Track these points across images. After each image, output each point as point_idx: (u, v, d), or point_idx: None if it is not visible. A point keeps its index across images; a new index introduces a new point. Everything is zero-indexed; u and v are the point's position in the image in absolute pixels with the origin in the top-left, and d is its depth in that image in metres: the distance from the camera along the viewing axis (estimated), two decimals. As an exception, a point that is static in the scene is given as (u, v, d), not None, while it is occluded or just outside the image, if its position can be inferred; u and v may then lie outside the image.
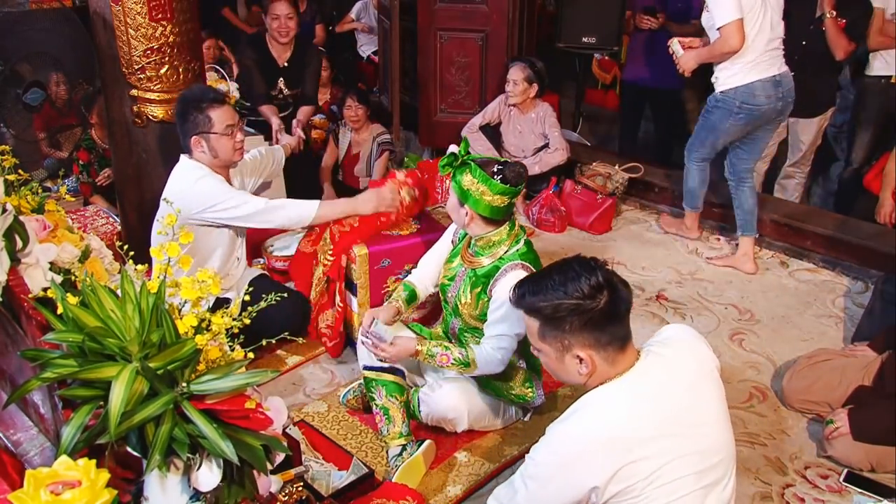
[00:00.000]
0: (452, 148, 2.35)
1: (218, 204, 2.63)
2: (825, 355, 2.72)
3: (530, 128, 4.20)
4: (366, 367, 2.46)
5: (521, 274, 2.29)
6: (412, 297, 2.57)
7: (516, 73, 4.10)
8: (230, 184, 2.79)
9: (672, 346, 1.63)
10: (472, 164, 2.27)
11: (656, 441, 1.49)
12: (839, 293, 3.52)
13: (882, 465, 2.38)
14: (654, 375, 1.57)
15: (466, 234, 2.47)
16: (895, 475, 2.37)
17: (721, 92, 3.41)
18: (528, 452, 2.39)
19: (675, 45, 3.53)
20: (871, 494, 2.28)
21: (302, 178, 4.63)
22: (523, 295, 1.62)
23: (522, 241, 2.36)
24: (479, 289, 2.36)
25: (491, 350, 2.29)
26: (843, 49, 3.97)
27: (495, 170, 2.25)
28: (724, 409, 1.62)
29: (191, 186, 2.63)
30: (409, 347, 2.31)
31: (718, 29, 3.23)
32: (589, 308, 1.52)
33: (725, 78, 3.37)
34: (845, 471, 2.40)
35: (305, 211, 2.76)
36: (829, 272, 3.69)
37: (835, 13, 3.90)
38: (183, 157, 2.72)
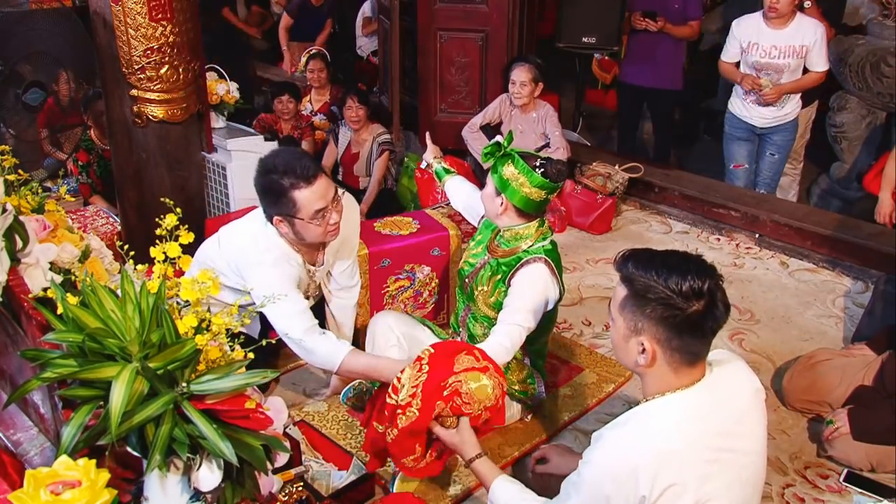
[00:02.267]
0: (498, 138, 2.37)
1: (261, 294, 1.84)
2: (825, 355, 2.72)
3: (531, 127, 4.20)
4: None
5: (542, 268, 2.32)
6: (448, 171, 2.80)
7: (523, 75, 4.04)
8: (312, 265, 2.41)
9: (731, 368, 1.60)
10: (516, 155, 2.30)
11: (710, 464, 1.46)
12: (839, 293, 3.52)
13: (882, 465, 2.37)
14: (717, 395, 1.53)
15: (492, 226, 2.49)
16: (895, 475, 2.37)
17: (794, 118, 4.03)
18: (528, 452, 2.42)
19: (766, 82, 3.87)
20: (871, 494, 2.28)
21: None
22: (627, 261, 1.54)
23: (549, 240, 2.39)
24: (498, 277, 2.38)
25: (498, 340, 2.28)
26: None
27: (538, 164, 2.29)
28: (765, 442, 1.59)
29: (247, 260, 2.25)
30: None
31: (821, 71, 3.85)
32: (676, 306, 1.45)
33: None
34: (845, 471, 2.40)
35: (331, 360, 2.23)
36: (829, 272, 3.69)
37: (810, 3, 4.01)
38: (267, 228, 2.29)
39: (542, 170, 2.27)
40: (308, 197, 2.14)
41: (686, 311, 1.45)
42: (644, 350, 1.51)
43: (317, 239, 2.27)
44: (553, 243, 2.41)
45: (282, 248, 2.31)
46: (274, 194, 2.17)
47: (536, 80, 4.08)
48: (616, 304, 1.56)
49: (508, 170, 2.30)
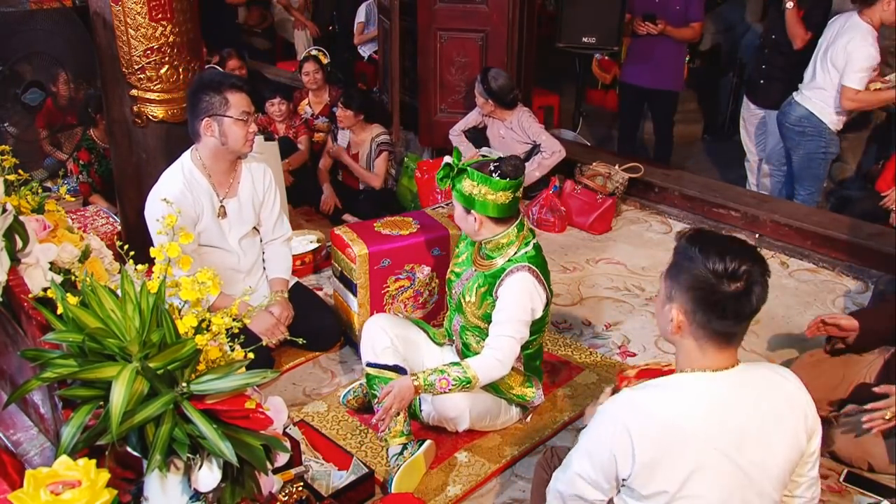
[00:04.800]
0: (447, 159, 2.36)
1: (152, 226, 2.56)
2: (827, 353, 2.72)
3: (511, 134, 4.22)
4: (368, 364, 2.46)
5: (527, 276, 2.31)
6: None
7: (475, 88, 4.16)
8: (224, 195, 2.70)
9: (769, 374, 1.57)
10: (469, 168, 2.29)
11: (708, 458, 1.45)
12: (839, 293, 3.52)
13: (882, 465, 2.37)
14: (743, 392, 1.51)
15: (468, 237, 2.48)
16: (895, 475, 2.37)
17: None
18: (528, 452, 2.42)
19: None
20: (871, 494, 2.28)
21: (302, 179, 4.64)
22: (685, 235, 1.55)
23: (531, 245, 2.37)
24: (485, 289, 2.36)
25: (492, 353, 2.29)
26: (801, 38, 4.11)
27: (492, 168, 2.27)
28: (783, 463, 1.51)
29: (152, 199, 2.60)
30: (407, 385, 2.26)
31: None
32: (706, 280, 1.46)
33: None
34: (845, 471, 2.40)
35: None
36: (829, 272, 3.69)
37: (792, 4, 4.05)
38: (184, 155, 2.66)
39: (499, 172, 2.26)
40: (239, 99, 2.54)
41: (714, 288, 1.46)
42: (672, 319, 1.53)
43: (238, 143, 2.58)
44: (536, 247, 2.38)
45: (191, 172, 2.62)
46: (210, 92, 2.52)
47: (485, 97, 4.11)
48: (662, 271, 1.60)
49: (467, 184, 2.29)
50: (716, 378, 1.51)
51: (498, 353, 2.28)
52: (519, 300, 2.30)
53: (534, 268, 2.31)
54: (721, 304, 1.47)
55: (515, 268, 2.31)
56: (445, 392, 2.28)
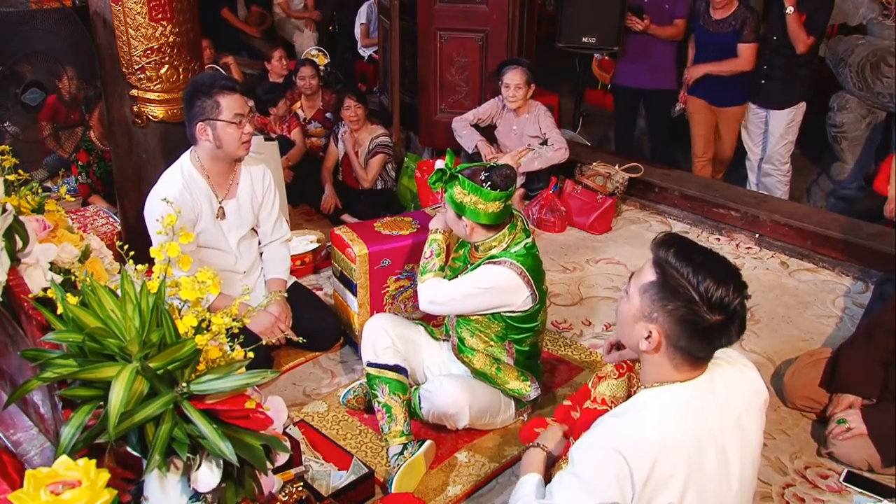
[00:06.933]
0: (439, 163, 2.36)
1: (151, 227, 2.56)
2: (827, 353, 2.72)
3: (525, 129, 4.20)
4: (369, 364, 2.47)
5: (499, 270, 2.31)
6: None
7: (517, 78, 4.02)
8: (222, 196, 2.72)
9: (734, 367, 1.59)
10: (460, 176, 2.31)
11: (702, 458, 1.46)
12: (839, 293, 3.52)
13: (881, 465, 2.37)
14: (716, 392, 1.52)
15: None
16: (895, 475, 2.37)
17: None
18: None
19: None
20: (871, 494, 2.28)
21: (301, 176, 4.64)
22: (668, 247, 1.48)
23: (522, 244, 2.36)
24: None
25: (429, 286, 2.42)
26: (803, 42, 4.11)
27: (483, 177, 2.28)
28: (759, 446, 1.58)
29: (152, 200, 2.60)
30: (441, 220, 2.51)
31: None
32: (699, 314, 1.42)
33: None
34: (845, 471, 2.40)
35: None
36: (829, 272, 3.69)
37: (792, 9, 4.05)
38: (183, 156, 2.68)
39: (490, 182, 2.27)
40: (229, 102, 2.50)
41: (704, 319, 1.43)
42: (650, 337, 1.48)
43: (233, 145, 2.55)
44: (528, 247, 2.37)
45: (190, 173, 2.62)
46: (201, 96, 2.50)
47: (529, 83, 4.07)
48: (639, 283, 1.52)
49: (458, 191, 2.31)
50: (688, 387, 1.51)
51: (427, 294, 2.42)
52: (473, 281, 2.34)
53: (517, 265, 2.31)
54: (705, 333, 1.45)
55: (500, 260, 2.32)
56: (424, 259, 2.51)
